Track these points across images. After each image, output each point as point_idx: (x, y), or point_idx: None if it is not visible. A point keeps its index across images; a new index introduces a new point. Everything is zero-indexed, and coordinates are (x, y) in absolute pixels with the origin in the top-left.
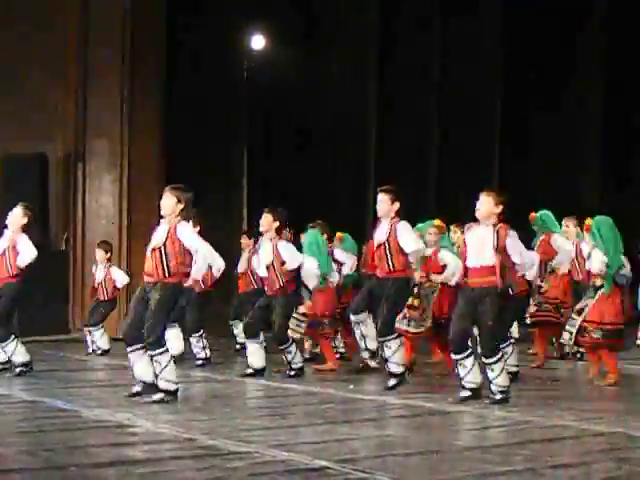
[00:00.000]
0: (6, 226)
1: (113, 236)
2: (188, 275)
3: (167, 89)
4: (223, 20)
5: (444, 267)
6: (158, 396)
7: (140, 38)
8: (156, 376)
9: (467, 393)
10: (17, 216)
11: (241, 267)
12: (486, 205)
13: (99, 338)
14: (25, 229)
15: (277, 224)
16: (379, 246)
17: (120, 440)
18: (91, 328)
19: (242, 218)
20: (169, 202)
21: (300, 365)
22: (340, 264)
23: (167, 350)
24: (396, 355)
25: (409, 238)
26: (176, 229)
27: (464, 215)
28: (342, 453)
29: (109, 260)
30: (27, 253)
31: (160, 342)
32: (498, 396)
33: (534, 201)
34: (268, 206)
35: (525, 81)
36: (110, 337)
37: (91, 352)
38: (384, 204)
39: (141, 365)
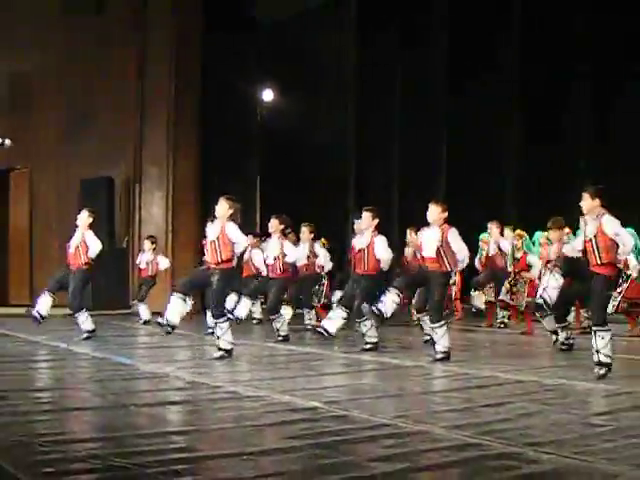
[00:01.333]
0: (77, 226)
1: (161, 237)
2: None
3: (201, 131)
4: (243, 79)
5: (529, 266)
6: (219, 353)
7: (182, 94)
8: (218, 338)
9: (440, 355)
10: (84, 217)
11: (245, 257)
12: (434, 211)
13: (143, 311)
14: (91, 226)
15: (282, 226)
16: (360, 251)
17: (167, 386)
18: (137, 302)
19: (256, 224)
20: (223, 207)
21: (286, 333)
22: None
23: (228, 319)
24: (371, 331)
25: (382, 249)
26: (225, 227)
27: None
28: (329, 396)
29: (154, 249)
30: (95, 246)
31: (223, 313)
32: (439, 355)
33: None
34: (275, 214)
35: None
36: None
37: (145, 321)
38: (367, 219)
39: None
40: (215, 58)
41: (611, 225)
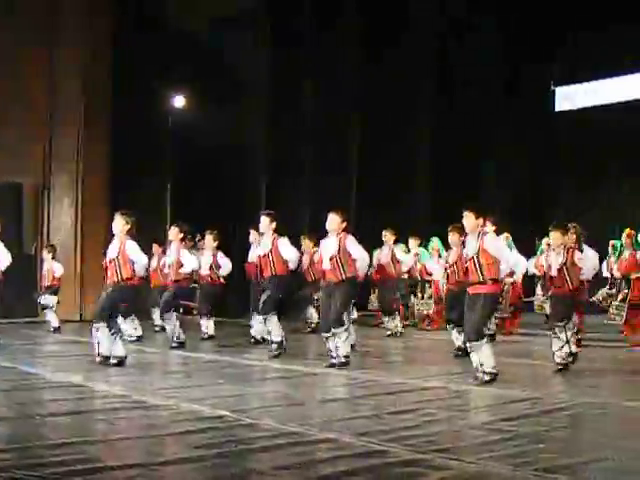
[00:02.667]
0: None
1: (70, 243)
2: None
3: (112, 137)
4: (155, 86)
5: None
6: (114, 361)
7: (93, 101)
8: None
9: (343, 360)
10: None
11: (152, 266)
12: (334, 221)
13: (51, 318)
14: None
15: (181, 235)
16: (264, 255)
17: (73, 396)
18: (46, 311)
19: (166, 230)
20: (119, 223)
21: (183, 339)
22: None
23: (119, 330)
24: (276, 330)
25: (288, 249)
26: (125, 246)
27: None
28: (237, 405)
29: (53, 258)
30: (5, 258)
31: (115, 326)
32: (342, 359)
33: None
34: (176, 222)
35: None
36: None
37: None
38: (265, 223)
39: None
40: (127, 61)
41: (494, 243)
